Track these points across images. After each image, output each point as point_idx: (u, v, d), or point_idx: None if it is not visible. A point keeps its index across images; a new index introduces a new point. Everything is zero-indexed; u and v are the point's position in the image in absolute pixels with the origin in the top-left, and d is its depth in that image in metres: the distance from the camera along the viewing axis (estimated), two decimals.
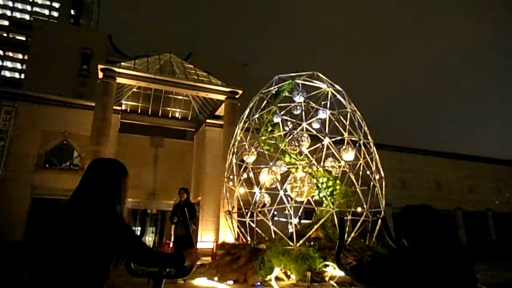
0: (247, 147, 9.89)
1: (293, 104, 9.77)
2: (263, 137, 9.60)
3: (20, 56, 55.77)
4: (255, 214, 8.89)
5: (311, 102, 9.56)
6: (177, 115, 23.28)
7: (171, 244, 9.47)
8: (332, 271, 6.97)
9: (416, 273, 1.70)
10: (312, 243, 8.06)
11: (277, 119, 9.99)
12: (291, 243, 7.77)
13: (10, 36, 57.27)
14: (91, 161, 1.81)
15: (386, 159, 12.40)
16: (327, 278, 6.91)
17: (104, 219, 1.57)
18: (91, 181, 1.70)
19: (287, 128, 10.13)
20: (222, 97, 19.15)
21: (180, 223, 7.54)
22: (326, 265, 7.16)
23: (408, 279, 1.71)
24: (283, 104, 9.90)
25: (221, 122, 19.37)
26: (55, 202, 16.00)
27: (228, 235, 14.99)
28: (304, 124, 9.24)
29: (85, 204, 1.60)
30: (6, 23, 58.35)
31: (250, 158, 9.64)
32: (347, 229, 7.91)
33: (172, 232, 7.87)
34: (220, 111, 19.96)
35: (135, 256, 1.69)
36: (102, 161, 1.81)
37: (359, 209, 8.57)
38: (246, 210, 9.09)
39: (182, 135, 24.53)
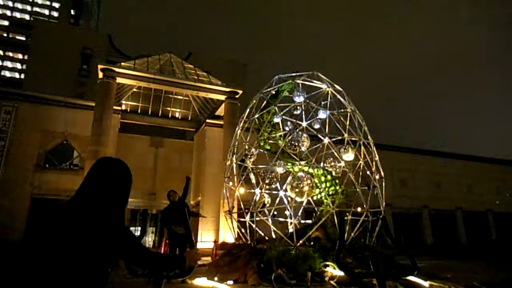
0: (247, 147, 9.89)
1: (293, 104, 9.76)
2: (263, 137, 9.60)
3: (20, 56, 55.79)
4: (255, 214, 8.89)
5: (311, 102, 9.56)
6: (177, 115, 23.26)
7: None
8: (332, 271, 6.97)
9: None
10: (312, 243, 8.06)
11: (277, 119, 9.99)
12: (291, 243, 7.77)
13: (10, 36, 57.31)
14: (98, 160, 1.73)
15: (386, 159, 12.39)
16: (327, 278, 6.90)
17: (107, 222, 1.54)
18: (98, 182, 1.63)
19: (287, 128, 10.13)
20: (222, 97, 19.16)
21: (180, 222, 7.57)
22: (326, 265, 7.16)
23: None
24: (283, 104, 9.90)
25: (221, 122, 19.37)
26: (55, 202, 16.01)
27: (228, 235, 14.99)
28: (304, 124, 9.24)
29: (89, 205, 1.56)
30: (6, 23, 58.37)
31: (251, 159, 9.64)
32: (347, 228, 7.90)
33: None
34: (220, 111, 19.96)
35: (136, 260, 1.68)
36: (110, 162, 1.73)
37: (359, 209, 8.57)
38: (246, 210, 9.09)
39: (182, 135, 24.52)
